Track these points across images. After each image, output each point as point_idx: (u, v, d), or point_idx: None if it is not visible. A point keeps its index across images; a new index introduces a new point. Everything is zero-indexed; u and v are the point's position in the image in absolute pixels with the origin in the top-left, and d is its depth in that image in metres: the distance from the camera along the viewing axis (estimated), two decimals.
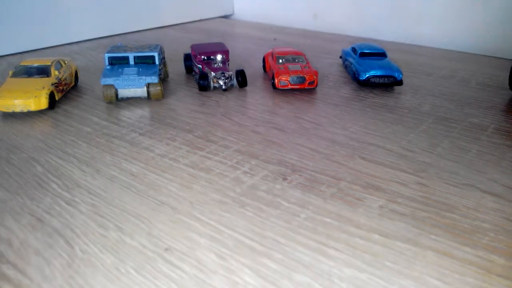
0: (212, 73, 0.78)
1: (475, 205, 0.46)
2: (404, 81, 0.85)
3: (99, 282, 0.35)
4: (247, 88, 0.82)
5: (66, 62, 0.79)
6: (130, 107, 0.72)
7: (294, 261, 0.38)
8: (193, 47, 0.87)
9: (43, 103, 0.67)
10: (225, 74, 0.78)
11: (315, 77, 0.78)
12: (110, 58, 0.76)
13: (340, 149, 0.58)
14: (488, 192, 0.48)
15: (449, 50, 1.12)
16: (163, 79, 0.83)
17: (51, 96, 0.69)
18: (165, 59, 0.86)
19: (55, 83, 0.71)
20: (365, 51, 0.87)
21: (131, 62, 0.76)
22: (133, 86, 0.72)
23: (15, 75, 0.72)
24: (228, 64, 0.83)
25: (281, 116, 0.69)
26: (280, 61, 0.82)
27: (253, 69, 0.93)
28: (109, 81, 0.71)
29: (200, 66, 0.81)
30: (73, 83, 0.80)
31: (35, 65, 0.73)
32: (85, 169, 0.53)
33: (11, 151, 0.57)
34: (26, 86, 0.68)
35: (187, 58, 0.89)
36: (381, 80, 0.80)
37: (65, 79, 0.76)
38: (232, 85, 0.80)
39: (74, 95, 0.77)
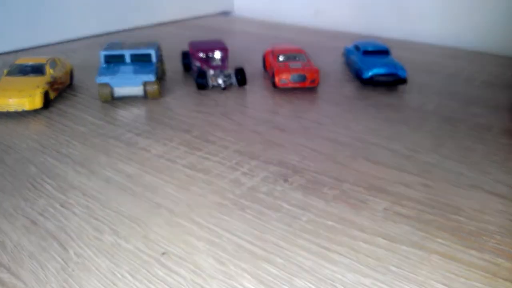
0: (211, 71, 0.77)
1: (480, 206, 0.45)
2: (408, 80, 0.84)
3: (93, 286, 0.35)
4: (247, 86, 0.81)
5: (61, 60, 0.78)
6: (126, 106, 0.71)
7: (295, 266, 0.37)
8: (191, 44, 0.86)
9: (38, 103, 0.66)
10: (224, 72, 0.78)
11: (316, 75, 0.77)
12: (106, 56, 0.75)
13: (343, 150, 0.57)
14: (493, 193, 0.47)
15: (454, 48, 1.11)
16: (160, 77, 0.82)
17: (46, 95, 0.68)
18: (163, 57, 0.85)
19: (50, 82, 0.70)
20: (369, 49, 0.86)
21: (128, 60, 0.76)
22: (129, 84, 0.71)
23: (9, 74, 0.72)
24: (227, 62, 0.82)
25: (281, 116, 0.68)
26: (281, 59, 0.81)
27: (253, 67, 0.92)
28: (105, 79, 0.71)
29: (199, 64, 0.80)
30: (68, 82, 0.79)
31: (30, 63, 0.73)
32: (80, 170, 0.52)
33: (5, 151, 0.56)
34: (20, 85, 0.68)
35: (185, 55, 0.88)
36: (385, 79, 0.79)
37: (60, 77, 0.75)
38: (231, 84, 0.79)
39: (69, 94, 0.77)
